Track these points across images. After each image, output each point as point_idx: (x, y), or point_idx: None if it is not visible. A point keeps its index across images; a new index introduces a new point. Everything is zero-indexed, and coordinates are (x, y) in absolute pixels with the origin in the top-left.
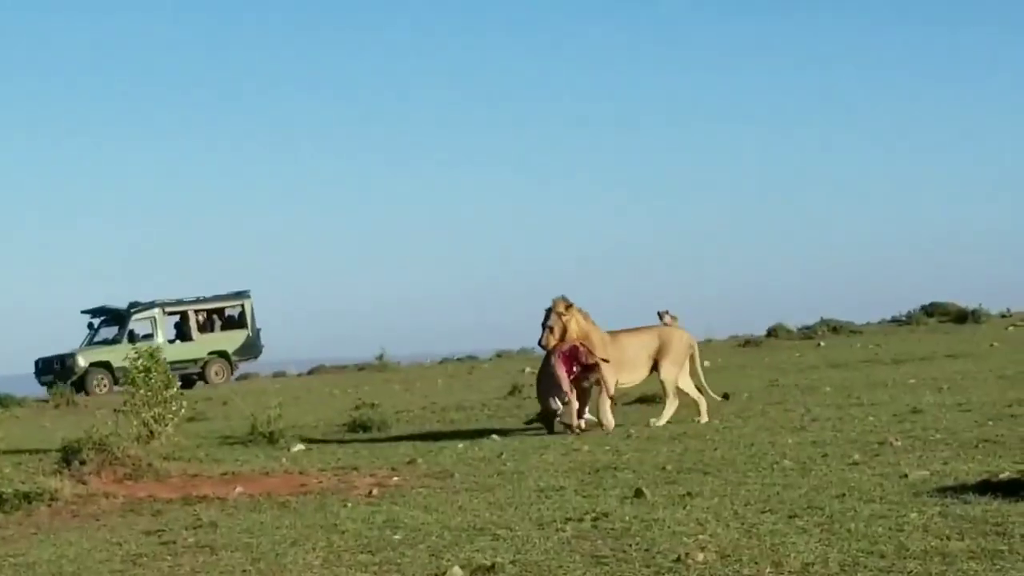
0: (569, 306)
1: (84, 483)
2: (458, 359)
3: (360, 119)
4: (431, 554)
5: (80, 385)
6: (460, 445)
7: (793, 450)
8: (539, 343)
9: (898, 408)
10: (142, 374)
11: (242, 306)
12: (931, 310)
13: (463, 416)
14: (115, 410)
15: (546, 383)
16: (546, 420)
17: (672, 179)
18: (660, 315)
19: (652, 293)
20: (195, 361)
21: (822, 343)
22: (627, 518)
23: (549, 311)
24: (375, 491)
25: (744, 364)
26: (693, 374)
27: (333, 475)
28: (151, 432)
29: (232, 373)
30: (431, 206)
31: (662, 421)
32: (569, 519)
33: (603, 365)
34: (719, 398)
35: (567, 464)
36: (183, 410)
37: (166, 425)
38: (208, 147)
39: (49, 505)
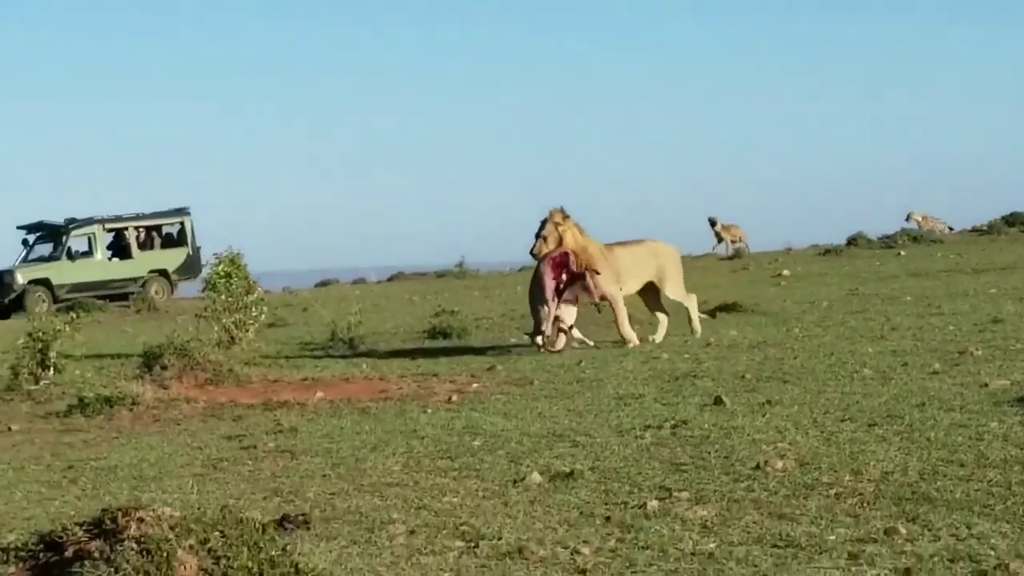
0: (566, 217)
1: (165, 388)
2: None
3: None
4: (510, 460)
5: (19, 302)
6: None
7: (873, 359)
8: (531, 252)
9: (979, 318)
10: (223, 280)
11: (181, 223)
12: (1012, 220)
13: None
14: (196, 315)
15: (536, 294)
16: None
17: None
18: (712, 222)
19: (726, 201)
20: (135, 279)
21: (902, 252)
22: (706, 426)
23: (545, 221)
24: (454, 397)
25: (824, 272)
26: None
27: (413, 381)
28: (232, 338)
29: (172, 293)
30: (510, 114)
31: (697, 327)
32: (648, 426)
33: (598, 276)
34: (707, 316)
35: (646, 372)
36: (263, 316)
37: (246, 331)
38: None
39: (130, 409)
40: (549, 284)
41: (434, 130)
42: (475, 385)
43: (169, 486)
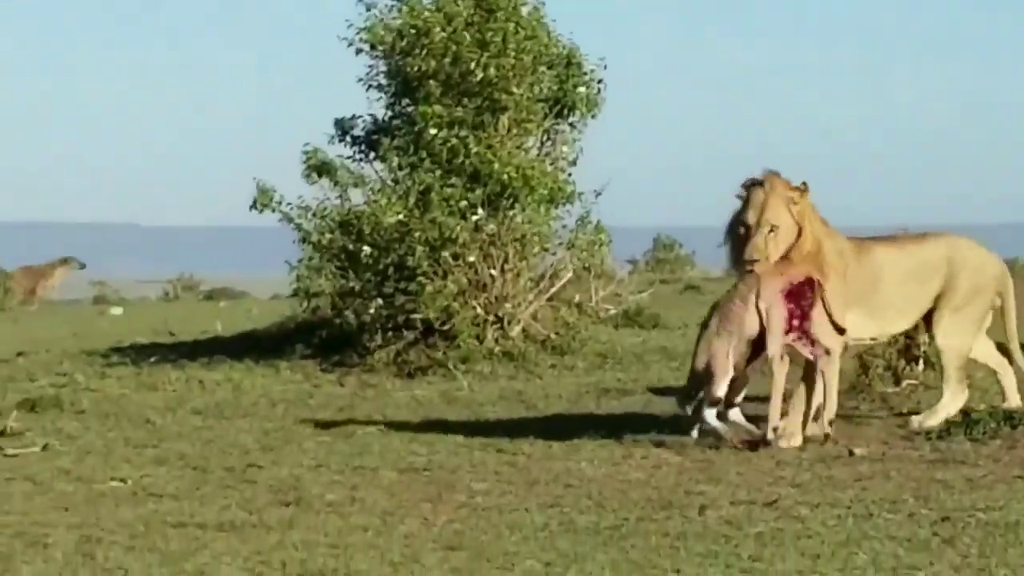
0: (802, 191)
1: None
2: None
3: None
4: None
5: None
6: None
7: None
8: (746, 258)
9: None
10: None
11: None
12: None
13: None
14: None
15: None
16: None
17: None
18: None
19: None
20: None
21: None
22: None
23: (754, 188)
24: None
25: None
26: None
27: None
28: None
29: None
30: None
31: (935, 419)
32: None
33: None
34: None
35: None
36: None
37: None
38: None
39: None
40: (780, 325)
41: None
42: None
43: None
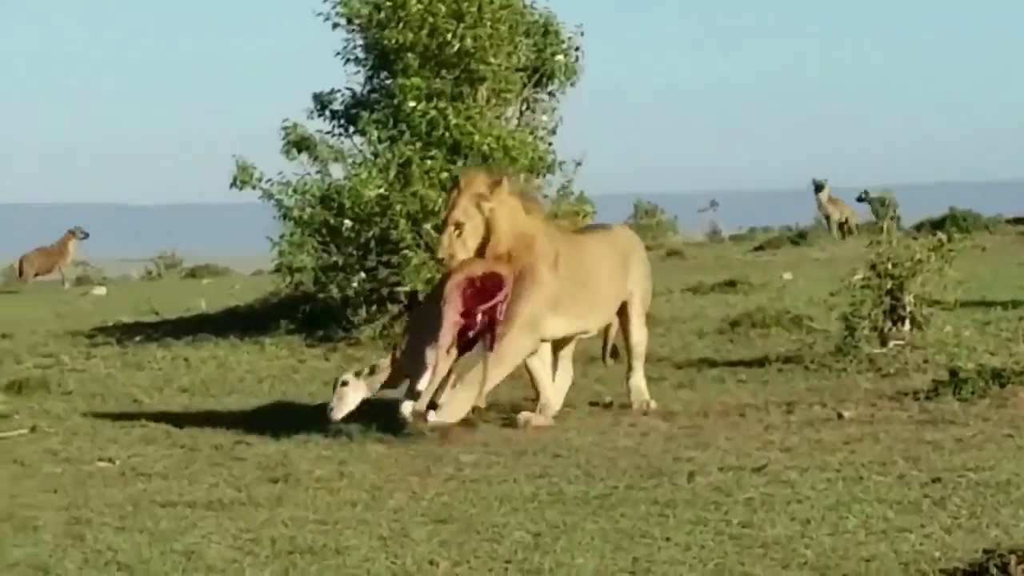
0: (496, 183)
1: None
2: None
3: None
4: None
5: None
6: None
7: None
8: (437, 256)
9: None
10: None
11: None
12: None
13: None
14: None
15: (423, 327)
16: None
17: None
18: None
19: None
20: None
21: None
22: None
23: (454, 190)
24: None
25: None
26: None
27: None
28: None
29: None
30: None
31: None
32: None
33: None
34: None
35: None
36: None
37: None
38: None
39: None
40: (450, 318)
41: None
42: None
43: None
